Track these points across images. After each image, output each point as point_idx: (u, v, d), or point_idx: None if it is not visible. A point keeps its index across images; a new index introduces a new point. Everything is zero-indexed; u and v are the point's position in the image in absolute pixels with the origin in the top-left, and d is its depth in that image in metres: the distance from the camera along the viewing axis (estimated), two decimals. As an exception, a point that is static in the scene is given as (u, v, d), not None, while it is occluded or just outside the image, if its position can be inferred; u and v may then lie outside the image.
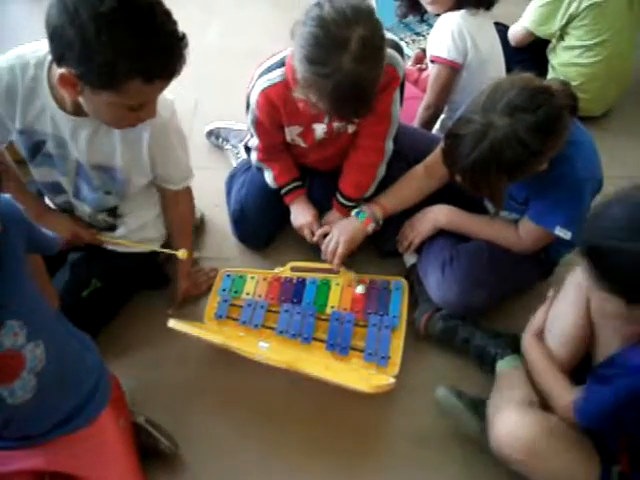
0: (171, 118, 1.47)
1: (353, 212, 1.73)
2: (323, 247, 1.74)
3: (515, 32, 2.27)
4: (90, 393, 1.32)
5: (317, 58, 1.32)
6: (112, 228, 1.64)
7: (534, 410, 1.34)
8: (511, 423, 1.29)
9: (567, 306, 1.43)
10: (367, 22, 1.32)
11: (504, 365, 1.52)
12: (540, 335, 1.46)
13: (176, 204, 1.68)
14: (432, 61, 1.98)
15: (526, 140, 1.27)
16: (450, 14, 1.93)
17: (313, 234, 1.78)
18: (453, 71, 1.95)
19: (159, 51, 1.14)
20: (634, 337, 1.29)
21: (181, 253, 1.63)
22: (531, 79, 1.34)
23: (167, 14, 1.15)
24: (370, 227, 1.71)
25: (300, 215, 1.82)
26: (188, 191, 1.69)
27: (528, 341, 1.47)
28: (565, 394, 1.31)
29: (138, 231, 1.66)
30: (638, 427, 1.16)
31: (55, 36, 1.14)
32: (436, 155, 1.67)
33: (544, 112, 1.27)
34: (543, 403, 1.38)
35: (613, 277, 1.11)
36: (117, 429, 1.35)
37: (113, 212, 1.61)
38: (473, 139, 1.31)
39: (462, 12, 1.91)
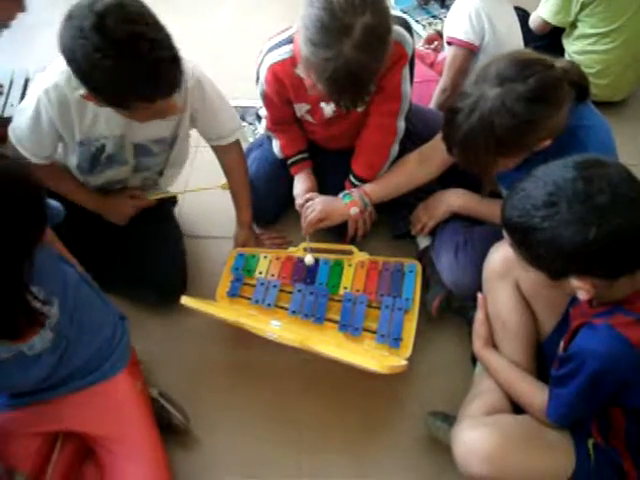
0: (199, 82, 1.52)
1: (341, 194, 1.73)
2: (302, 213, 1.75)
3: (533, 20, 2.25)
4: (107, 344, 1.37)
5: (319, 41, 1.31)
6: (156, 183, 1.80)
7: (491, 419, 1.31)
8: (465, 440, 1.26)
9: (500, 298, 1.43)
10: (374, 11, 1.30)
11: (478, 370, 1.51)
12: (489, 342, 1.45)
13: (225, 155, 1.74)
14: (449, 43, 1.96)
15: (514, 109, 1.23)
16: None
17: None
18: (469, 53, 1.93)
19: (148, 78, 1.21)
20: (564, 301, 1.34)
21: (223, 185, 1.79)
22: (529, 52, 1.32)
23: (153, 40, 1.18)
24: (352, 210, 1.69)
25: (298, 185, 1.84)
26: (237, 144, 1.73)
27: (480, 353, 1.45)
28: (534, 395, 1.29)
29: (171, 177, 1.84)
30: (620, 398, 1.15)
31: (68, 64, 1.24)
32: (432, 143, 1.66)
33: (535, 81, 1.24)
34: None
35: (535, 253, 1.11)
36: (134, 390, 1.39)
37: (160, 172, 1.75)
38: (466, 111, 1.28)
39: None
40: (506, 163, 1.37)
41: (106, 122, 1.47)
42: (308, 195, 1.77)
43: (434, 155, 1.64)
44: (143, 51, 1.17)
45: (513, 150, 1.33)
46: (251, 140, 2.09)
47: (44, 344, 1.23)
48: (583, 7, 2.12)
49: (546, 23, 2.21)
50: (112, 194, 1.72)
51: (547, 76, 1.26)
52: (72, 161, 1.58)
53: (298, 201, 1.81)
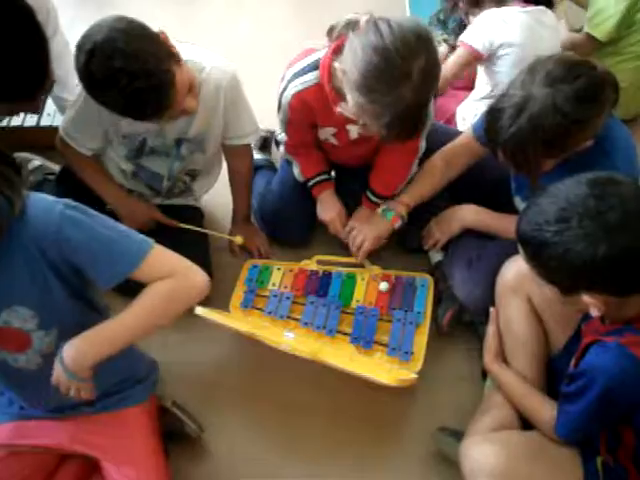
0: (232, 82, 1.60)
1: (379, 210, 1.74)
2: (350, 241, 1.75)
3: (577, 44, 2.20)
4: (127, 381, 1.37)
5: (377, 88, 1.31)
6: (189, 188, 1.86)
7: (499, 435, 1.31)
8: (473, 456, 1.27)
9: (512, 312, 1.44)
10: (428, 51, 1.31)
11: (488, 385, 1.52)
12: (499, 356, 1.45)
13: (236, 159, 1.82)
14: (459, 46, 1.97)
15: (565, 108, 1.25)
16: (500, 9, 1.91)
17: (339, 229, 1.79)
18: (473, 58, 1.94)
19: (131, 106, 1.37)
20: (576, 317, 1.34)
21: (238, 239, 1.85)
22: (571, 55, 1.35)
23: (131, 73, 1.30)
24: (397, 224, 1.72)
25: (327, 209, 1.82)
26: (248, 149, 1.82)
27: (490, 367, 1.46)
28: (542, 410, 1.30)
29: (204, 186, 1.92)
30: (630, 416, 1.15)
31: None
32: (453, 149, 1.69)
33: (583, 81, 1.26)
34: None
35: (547, 268, 1.12)
36: (143, 409, 1.39)
37: (192, 173, 1.80)
38: (513, 111, 1.30)
39: (514, 7, 1.89)
40: (549, 163, 1.38)
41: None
42: (347, 228, 1.77)
43: (457, 158, 1.68)
44: (122, 84, 1.31)
45: (560, 150, 1.34)
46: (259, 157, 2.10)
47: (29, 365, 1.21)
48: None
49: (597, 43, 2.17)
50: (136, 198, 1.77)
51: (594, 76, 1.29)
52: (120, 152, 1.70)
53: (339, 231, 1.79)
